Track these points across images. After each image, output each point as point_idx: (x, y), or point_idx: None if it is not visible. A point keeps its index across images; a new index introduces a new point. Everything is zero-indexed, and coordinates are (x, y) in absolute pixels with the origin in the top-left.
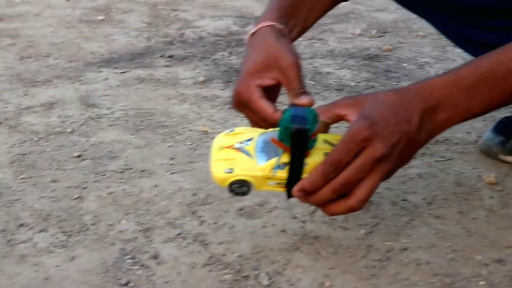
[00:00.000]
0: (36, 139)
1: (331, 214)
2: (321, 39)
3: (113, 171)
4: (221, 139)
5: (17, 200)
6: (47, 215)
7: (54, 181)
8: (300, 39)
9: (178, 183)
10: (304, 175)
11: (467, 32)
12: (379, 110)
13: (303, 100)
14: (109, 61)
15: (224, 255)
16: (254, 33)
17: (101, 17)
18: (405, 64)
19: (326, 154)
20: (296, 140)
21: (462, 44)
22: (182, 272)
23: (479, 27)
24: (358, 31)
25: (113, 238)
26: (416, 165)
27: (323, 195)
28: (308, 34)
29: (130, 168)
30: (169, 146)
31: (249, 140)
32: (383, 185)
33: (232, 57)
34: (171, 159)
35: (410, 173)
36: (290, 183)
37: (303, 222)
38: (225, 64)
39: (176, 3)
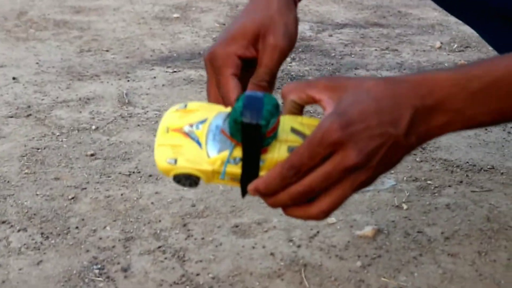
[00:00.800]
0: (58, 134)
1: (290, 216)
2: (396, 50)
3: (120, 173)
4: (170, 117)
5: (10, 195)
6: (33, 214)
7: (56, 178)
8: (371, 48)
9: (181, 192)
10: (262, 173)
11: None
12: (361, 105)
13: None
14: (165, 60)
15: (198, 274)
16: None
17: (176, 15)
18: None
19: (290, 148)
20: (247, 136)
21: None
22: None
23: None
24: (438, 44)
25: (89, 245)
26: (447, 194)
27: (280, 199)
28: (384, 44)
29: (138, 172)
30: None
31: (202, 122)
32: (400, 213)
33: (292, 63)
34: None
35: (437, 202)
36: (244, 181)
37: (298, 246)
38: (282, 69)
39: None
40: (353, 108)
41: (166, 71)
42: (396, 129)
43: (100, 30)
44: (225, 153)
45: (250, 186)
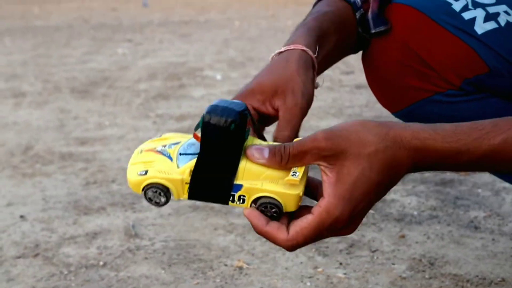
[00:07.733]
0: (66, 272)
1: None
2: None
3: None
4: (145, 144)
5: None
6: None
7: None
8: None
9: None
10: (239, 181)
11: None
12: (364, 185)
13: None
14: None
15: None
16: (280, 52)
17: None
18: (479, 190)
19: None
20: (211, 132)
21: None
22: None
23: None
24: None
25: None
26: None
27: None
28: None
29: None
30: (196, 284)
31: (175, 144)
32: None
33: None
34: None
35: None
36: (193, 185)
37: None
38: None
39: None
40: (357, 191)
41: (172, 199)
42: (385, 193)
43: (104, 160)
44: (193, 162)
45: None
